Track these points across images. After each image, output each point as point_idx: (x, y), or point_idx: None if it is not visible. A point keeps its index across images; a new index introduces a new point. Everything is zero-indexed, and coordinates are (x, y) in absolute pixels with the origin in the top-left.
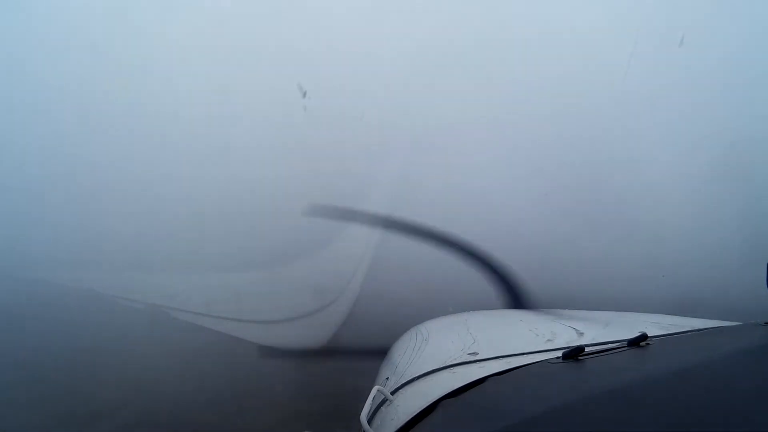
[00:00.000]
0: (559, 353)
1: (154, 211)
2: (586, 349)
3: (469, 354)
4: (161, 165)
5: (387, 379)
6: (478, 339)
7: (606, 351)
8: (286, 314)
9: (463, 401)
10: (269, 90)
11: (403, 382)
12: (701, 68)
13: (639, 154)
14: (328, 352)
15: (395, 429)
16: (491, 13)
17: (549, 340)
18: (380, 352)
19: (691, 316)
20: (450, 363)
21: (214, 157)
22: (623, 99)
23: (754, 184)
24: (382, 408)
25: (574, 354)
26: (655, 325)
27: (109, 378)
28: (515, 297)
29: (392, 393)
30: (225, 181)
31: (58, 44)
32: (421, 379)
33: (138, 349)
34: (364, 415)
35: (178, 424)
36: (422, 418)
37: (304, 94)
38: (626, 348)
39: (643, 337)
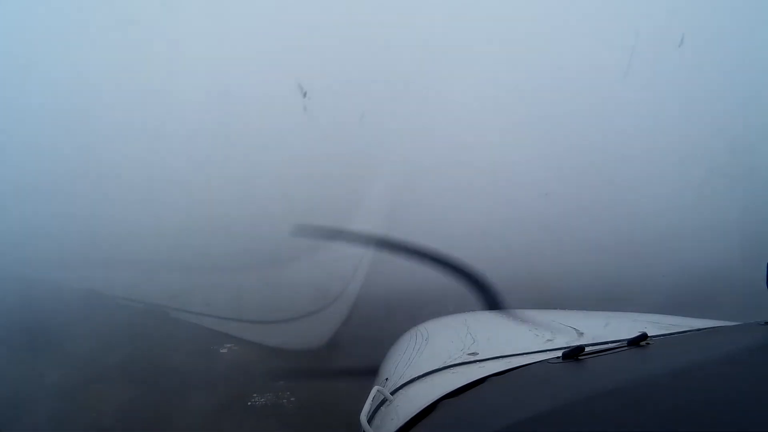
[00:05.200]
0: (559, 353)
1: (154, 211)
2: (586, 349)
3: (469, 354)
4: (162, 166)
5: (387, 379)
6: (478, 339)
7: (606, 351)
8: (286, 315)
9: (463, 401)
10: (270, 91)
11: (403, 382)
12: (701, 68)
13: (639, 153)
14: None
15: (395, 429)
16: (492, 15)
17: (549, 340)
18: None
19: (691, 316)
20: (450, 363)
21: (214, 156)
22: (623, 99)
23: (754, 184)
24: (382, 408)
25: (574, 354)
26: (655, 325)
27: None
28: (490, 300)
29: (392, 393)
30: (225, 182)
31: (56, 46)
32: (421, 379)
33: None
34: (364, 415)
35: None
36: (422, 418)
37: (304, 94)
38: (626, 348)
39: (643, 337)
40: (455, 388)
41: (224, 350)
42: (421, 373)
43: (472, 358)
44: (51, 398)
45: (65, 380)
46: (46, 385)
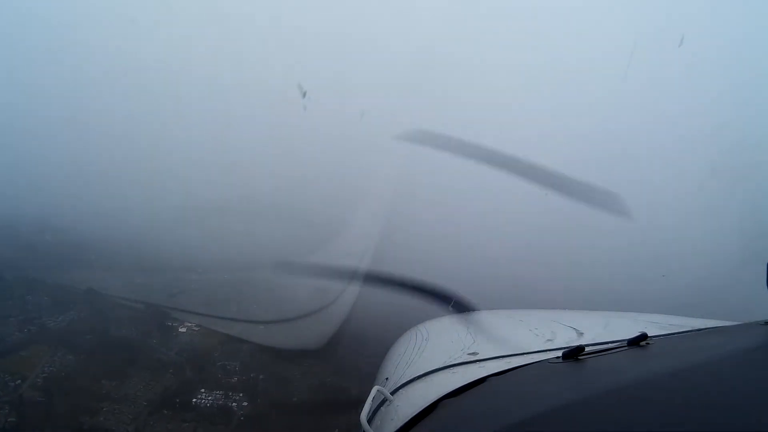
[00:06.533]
0: (559, 353)
1: (154, 210)
2: (586, 349)
3: (469, 354)
4: (162, 164)
5: (387, 379)
6: (478, 339)
7: (606, 351)
8: (286, 314)
9: (463, 401)
10: (270, 91)
11: (403, 382)
12: (701, 68)
13: (639, 154)
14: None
15: (395, 429)
16: (491, 15)
17: (549, 340)
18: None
19: (691, 316)
20: (450, 363)
21: (214, 156)
22: (623, 99)
23: (754, 184)
24: (382, 408)
25: (574, 354)
26: (655, 325)
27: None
28: (458, 304)
29: (392, 393)
30: (225, 181)
31: (57, 45)
32: (421, 379)
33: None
34: (364, 415)
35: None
36: (422, 418)
37: (304, 94)
38: (626, 348)
39: (643, 337)
40: (455, 388)
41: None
42: (421, 373)
43: (472, 358)
44: None
45: None
46: None
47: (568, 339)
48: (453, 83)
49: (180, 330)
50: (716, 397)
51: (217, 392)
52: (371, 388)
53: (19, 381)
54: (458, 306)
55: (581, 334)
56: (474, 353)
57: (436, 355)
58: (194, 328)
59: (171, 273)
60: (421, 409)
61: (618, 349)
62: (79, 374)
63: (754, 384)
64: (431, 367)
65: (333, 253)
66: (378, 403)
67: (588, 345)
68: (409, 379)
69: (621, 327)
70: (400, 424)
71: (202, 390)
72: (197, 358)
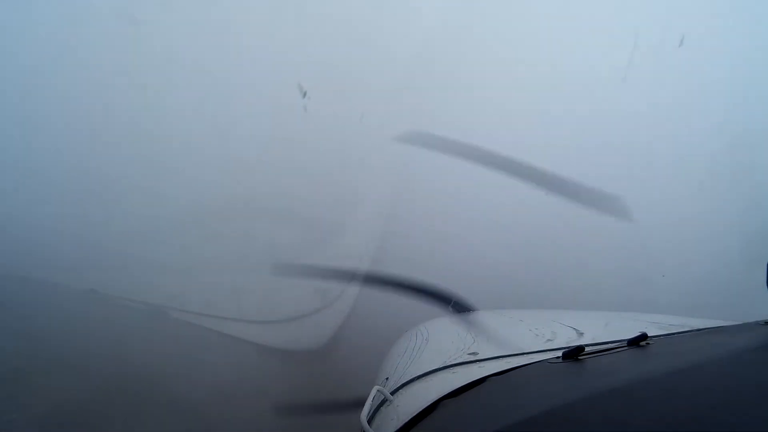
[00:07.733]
0: (559, 353)
1: (154, 211)
2: (586, 349)
3: (469, 354)
4: (161, 165)
5: (387, 379)
6: (478, 339)
7: (606, 351)
8: (286, 314)
9: (463, 401)
10: (269, 90)
11: (403, 382)
12: (701, 68)
13: (638, 153)
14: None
15: (395, 429)
16: (491, 14)
17: (549, 340)
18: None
19: (691, 316)
20: (450, 363)
21: (214, 157)
22: (622, 99)
23: (754, 184)
24: (382, 408)
25: (574, 354)
26: (655, 325)
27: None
28: (457, 305)
29: (392, 393)
30: (225, 182)
31: (55, 43)
32: (421, 379)
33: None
34: (363, 415)
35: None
36: (422, 418)
37: (304, 95)
38: (626, 348)
39: (643, 337)
40: (455, 388)
41: None
42: (421, 373)
43: (472, 358)
44: None
45: None
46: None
47: (568, 339)
48: (451, 83)
49: (203, 360)
50: (716, 397)
51: None
52: (371, 388)
53: (15, 416)
54: (458, 306)
55: (581, 334)
56: (474, 353)
57: (436, 355)
58: (219, 362)
59: (172, 273)
60: (421, 409)
61: (618, 349)
62: (83, 408)
63: (754, 384)
64: (431, 367)
65: (332, 254)
66: (378, 403)
67: (588, 345)
68: (409, 379)
69: (621, 327)
70: (400, 424)
71: None
72: (219, 398)
